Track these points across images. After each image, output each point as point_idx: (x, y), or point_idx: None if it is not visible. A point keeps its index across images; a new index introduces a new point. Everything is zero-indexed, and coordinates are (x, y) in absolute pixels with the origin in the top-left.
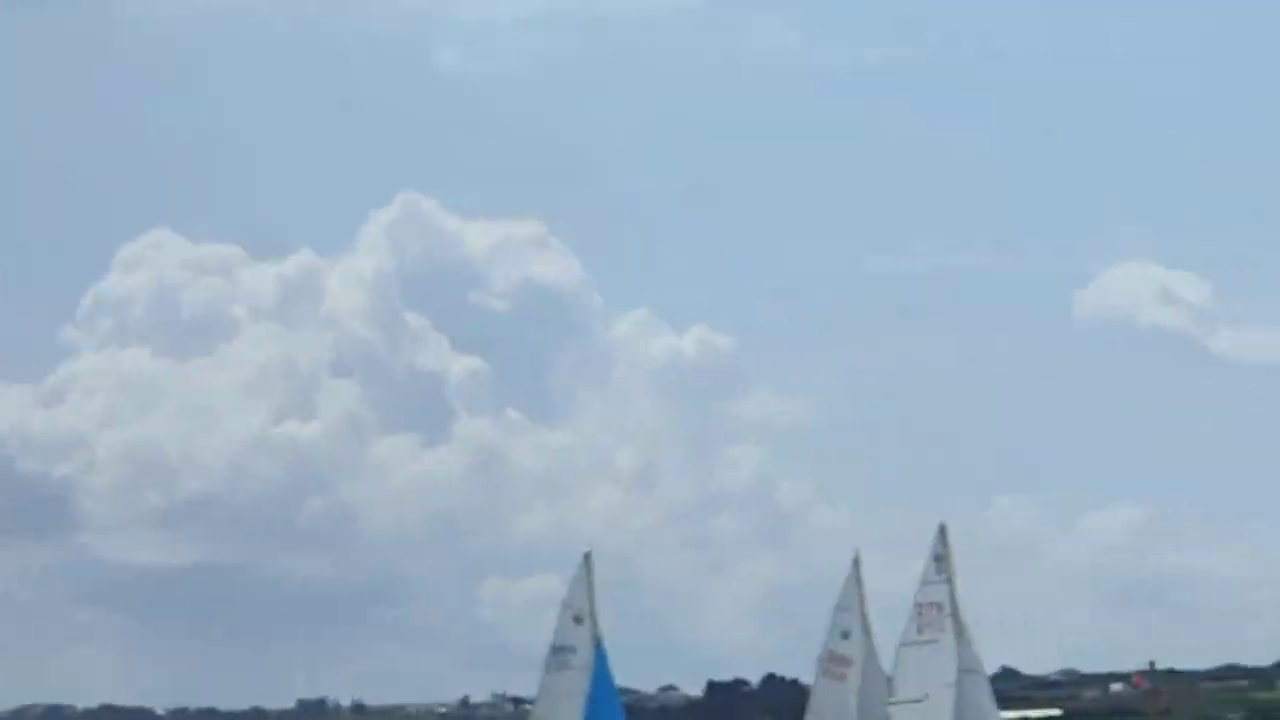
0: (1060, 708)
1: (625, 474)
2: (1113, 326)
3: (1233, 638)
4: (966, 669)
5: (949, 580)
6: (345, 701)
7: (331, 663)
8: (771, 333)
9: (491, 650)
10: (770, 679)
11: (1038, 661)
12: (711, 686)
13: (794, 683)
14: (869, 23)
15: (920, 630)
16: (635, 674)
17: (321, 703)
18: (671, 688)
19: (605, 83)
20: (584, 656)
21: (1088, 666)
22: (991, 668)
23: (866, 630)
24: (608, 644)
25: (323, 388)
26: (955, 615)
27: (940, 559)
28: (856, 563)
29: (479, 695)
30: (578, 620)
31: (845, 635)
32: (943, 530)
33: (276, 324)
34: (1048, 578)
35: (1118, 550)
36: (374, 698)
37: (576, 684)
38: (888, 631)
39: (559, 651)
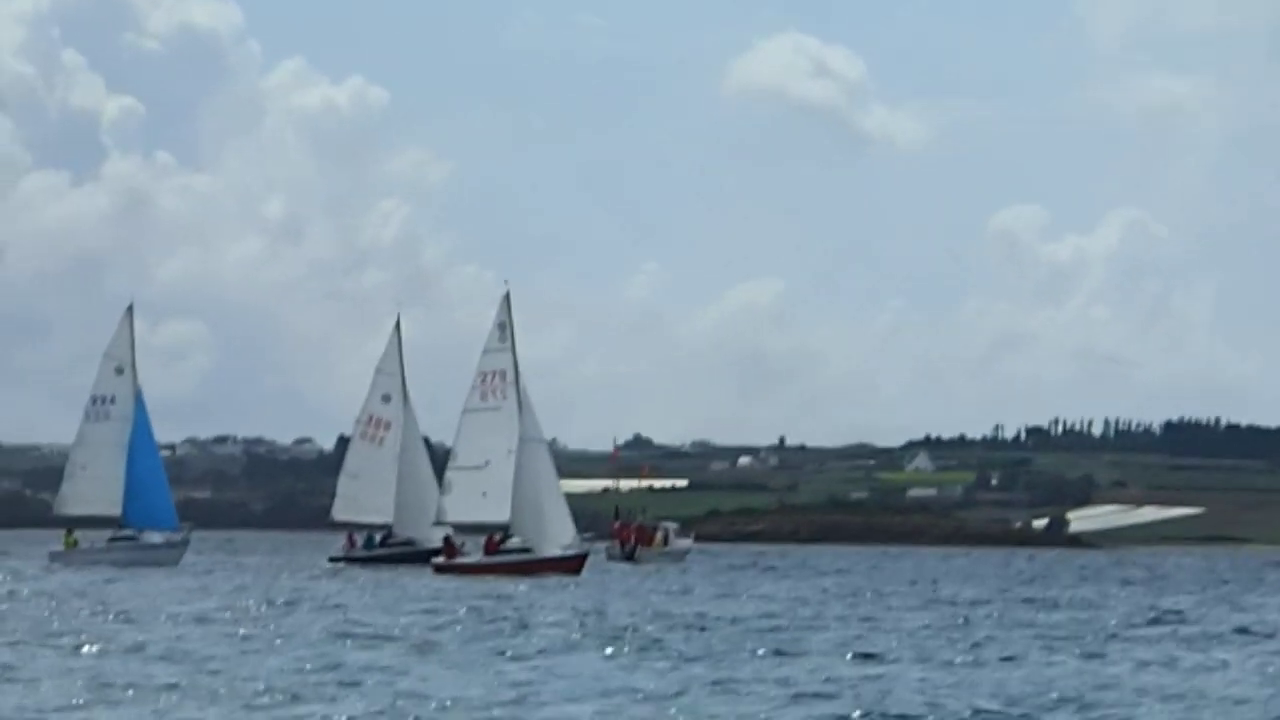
0: (687, 478)
1: (271, 224)
2: (762, 100)
3: (862, 418)
4: (527, 437)
5: (511, 349)
6: None
7: None
8: (424, 90)
9: None
10: None
11: (671, 432)
12: (343, 440)
13: (425, 440)
14: None
15: (484, 397)
16: (270, 425)
17: None
18: (306, 439)
19: None
20: (124, 407)
21: (720, 439)
22: (625, 435)
23: (405, 395)
24: (242, 393)
25: None
26: (517, 383)
27: (503, 327)
28: (398, 326)
29: None
30: (119, 371)
31: (386, 399)
32: (506, 298)
33: None
34: (682, 350)
35: (753, 325)
36: (8, 436)
37: (116, 434)
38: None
39: (99, 402)
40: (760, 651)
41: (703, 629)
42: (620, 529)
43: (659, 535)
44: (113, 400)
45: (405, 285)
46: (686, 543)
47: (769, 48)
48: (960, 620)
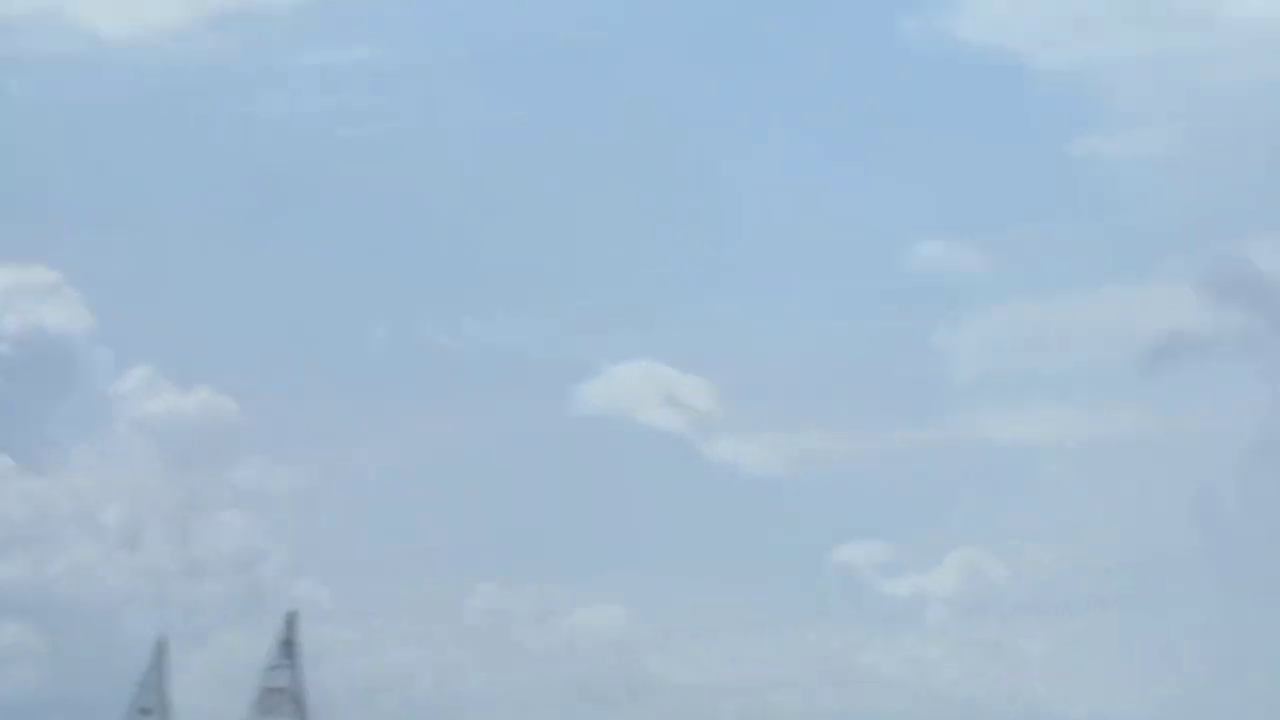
0: None
1: (109, 530)
2: (612, 423)
3: None
4: None
5: (294, 666)
6: None
7: None
8: (275, 397)
9: None
10: None
11: None
12: None
13: None
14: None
15: (264, 714)
16: None
17: None
18: None
19: (134, 121)
20: None
21: None
22: None
23: (166, 707)
24: (72, 696)
25: None
26: (299, 700)
27: (288, 645)
28: (161, 646)
29: None
30: (145, 712)
31: (145, 712)
32: (291, 618)
33: None
34: (526, 672)
35: (598, 649)
36: None
37: None
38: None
39: None
40: None
41: None
42: None
43: None
44: None
45: (241, 596)
46: None
47: (619, 373)
48: None
